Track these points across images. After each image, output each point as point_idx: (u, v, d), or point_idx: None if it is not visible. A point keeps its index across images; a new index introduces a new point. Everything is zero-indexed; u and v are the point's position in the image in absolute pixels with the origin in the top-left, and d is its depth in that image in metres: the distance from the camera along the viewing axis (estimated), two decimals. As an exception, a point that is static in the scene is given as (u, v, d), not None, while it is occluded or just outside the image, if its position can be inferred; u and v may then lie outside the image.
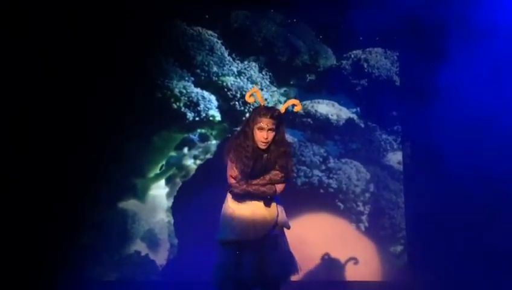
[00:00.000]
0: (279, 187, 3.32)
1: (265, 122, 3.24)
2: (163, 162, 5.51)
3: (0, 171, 4.56)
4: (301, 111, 4.57)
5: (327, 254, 5.20)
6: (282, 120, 3.35)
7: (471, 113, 4.67)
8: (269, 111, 3.31)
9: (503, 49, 4.71)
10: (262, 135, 3.25)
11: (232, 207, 3.28)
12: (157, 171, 5.48)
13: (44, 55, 4.84)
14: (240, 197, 3.31)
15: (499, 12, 4.77)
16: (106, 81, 5.14)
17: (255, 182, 3.25)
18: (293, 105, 3.35)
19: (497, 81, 4.73)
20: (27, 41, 4.74)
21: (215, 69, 5.51)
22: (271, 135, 3.27)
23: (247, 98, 3.45)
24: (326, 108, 5.50)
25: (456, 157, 4.62)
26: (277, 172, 3.27)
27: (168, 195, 5.44)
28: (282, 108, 3.36)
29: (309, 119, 5.41)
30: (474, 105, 4.65)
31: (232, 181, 3.31)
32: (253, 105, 3.56)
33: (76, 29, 4.98)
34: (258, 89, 3.44)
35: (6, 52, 4.61)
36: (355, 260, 5.14)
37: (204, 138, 5.52)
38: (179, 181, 5.46)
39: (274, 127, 3.27)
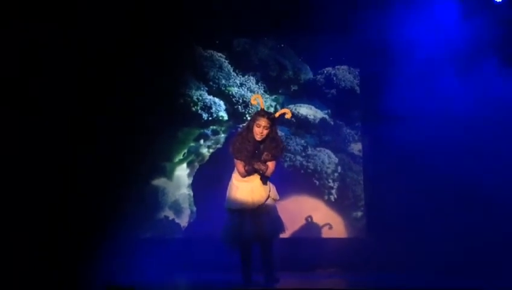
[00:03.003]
0: (270, 166, 3.64)
1: (262, 121, 3.59)
2: (185, 151, 5.84)
3: (64, 160, 4.65)
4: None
5: (307, 218, 5.61)
6: (275, 122, 3.67)
7: (414, 109, 4.95)
8: (266, 114, 3.64)
9: (437, 61, 5.06)
10: (259, 130, 3.60)
11: (236, 184, 3.72)
12: (181, 157, 5.82)
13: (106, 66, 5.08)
14: (243, 177, 3.67)
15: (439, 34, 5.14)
16: (146, 90, 5.56)
17: (255, 162, 3.59)
18: (285, 113, 3.68)
19: (433, 83, 5.03)
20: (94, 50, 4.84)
21: (223, 81, 5.84)
22: (265, 131, 3.59)
23: (252, 101, 3.92)
24: (306, 110, 5.83)
25: (404, 144, 4.91)
26: (267, 153, 3.62)
27: (189, 175, 5.81)
28: (277, 114, 3.67)
29: (293, 119, 5.58)
30: (415, 102, 4.96)
31: (241, 170, 3.62)
32: (253, 108, 4.00)
33: (129, 54, 5.31)
34: (260, 95, 3.90)
35: (59, 45, 4.57)
36: (327, 223, 5.60)
37: (215, 133, 5.85)
38: (197, 165, 5.82)
39: (268, 126, 3.59)
